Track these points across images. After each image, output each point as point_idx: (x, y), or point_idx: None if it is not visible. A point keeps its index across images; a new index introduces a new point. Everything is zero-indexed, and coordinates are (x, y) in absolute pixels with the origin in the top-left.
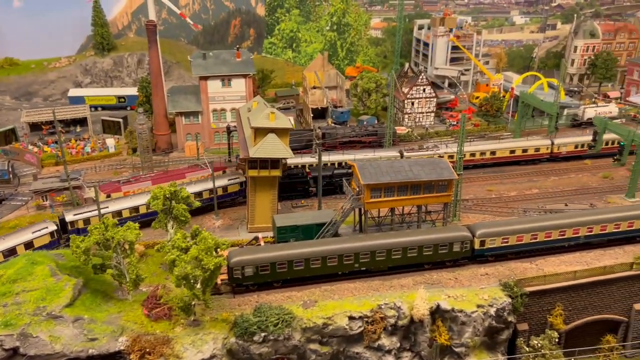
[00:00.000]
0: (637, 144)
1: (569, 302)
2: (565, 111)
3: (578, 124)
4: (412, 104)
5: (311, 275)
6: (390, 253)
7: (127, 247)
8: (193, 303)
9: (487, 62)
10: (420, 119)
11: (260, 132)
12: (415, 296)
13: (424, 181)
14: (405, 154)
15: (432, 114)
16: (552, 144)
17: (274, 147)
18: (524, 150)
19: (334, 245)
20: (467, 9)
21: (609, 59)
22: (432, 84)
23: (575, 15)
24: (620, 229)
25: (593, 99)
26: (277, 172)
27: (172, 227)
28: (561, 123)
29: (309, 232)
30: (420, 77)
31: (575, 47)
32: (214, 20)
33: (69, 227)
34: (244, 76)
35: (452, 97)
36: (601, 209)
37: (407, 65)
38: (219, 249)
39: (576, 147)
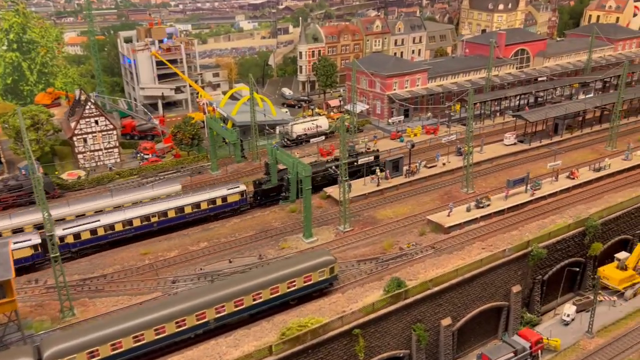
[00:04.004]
0: (302, 177)
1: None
2: (278, 129)
3: (290, 142)
4: (85, 140)
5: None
6: None
7: None
8: None
9: (216, 74)
10: (101, 157)
11: None
12: None
13: None
14: None
15: (116, 150)
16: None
17: None
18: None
19: None
20: (185, 16)
21: (327, 65)
22: (100, 112)
23: (301, 18)
24: (277, 294)
25: (303, 110)
26: None
27: None
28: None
29: None
30: (88, 106)
31: (301, 53)
32: None
33: (58, 242)
34: None
35: (156, 123)
36: (254, 273)
37: (78, 91)
38: None
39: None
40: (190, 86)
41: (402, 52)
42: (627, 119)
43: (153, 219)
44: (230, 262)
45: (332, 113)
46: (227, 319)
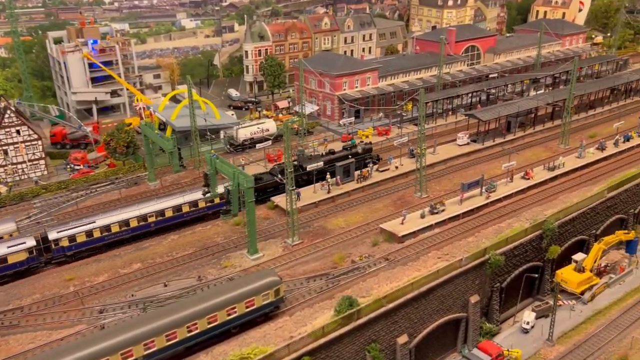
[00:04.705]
0: (243, 188)
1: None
2: (222, 134)
3: (235, 148)
4: (6, 152)
5: None
6: None
7: None
8: None
9: (157, 76)
10: (25, 170)
11: None
12: None
13: None
14: None
15: (43, 161)
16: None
17: None
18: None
19: None
20: (121, 15)
21: (274, 64)
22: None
23: (246, 16)
24: (215, 323)
25: (250, 112)
26: None
27: None
28: (218, 149)
29: None
30: (7, 114)
31: (247, 52)
32: None
33: (53, 246)
34: None
35: (87, 130)
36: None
37: None
38: None
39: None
40: (128, 89)
41: (352, 50)
42: (578, 115)
43: (150, 219)
44: (165, 285)
45: (280, 115)
46: (158, 355)
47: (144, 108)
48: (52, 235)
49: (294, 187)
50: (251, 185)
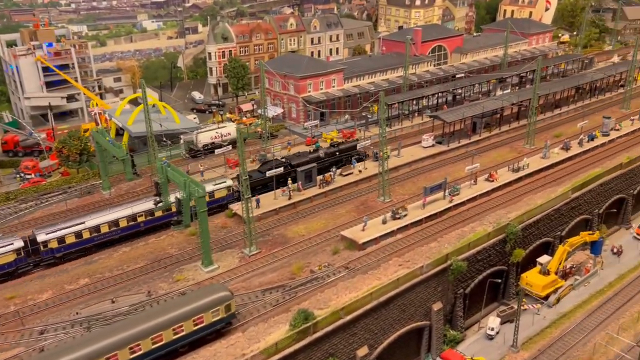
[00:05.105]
0: (195, 199)
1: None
2: (182, 139)
3: (194, 153)
4: None
5: None
6: None
7: None
8: None
9: (118, 79)
10: None
11: None
12: None
13: None
14: None
15: None
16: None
17: None
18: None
19: None
20: (79, 17)
21: (237, 66)
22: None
23: (209, 17)
24: (161, 343)
25: (213, 116)
26: None
27: None
28: (176, 155)
29: None
30: None
31: (210, 54)
32: None
33: (42, 248)
34: None
35: (39, 137)
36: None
37: None
38: None
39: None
40: (85, 94)
41: (319, 51)
42: (544, 114)
43: (140, 219)
44: (113, 302)
45: (244, 118)
46: None
47: (99, 113)
48: (41, 237)
49: (251, 196)
50: (203, 194)
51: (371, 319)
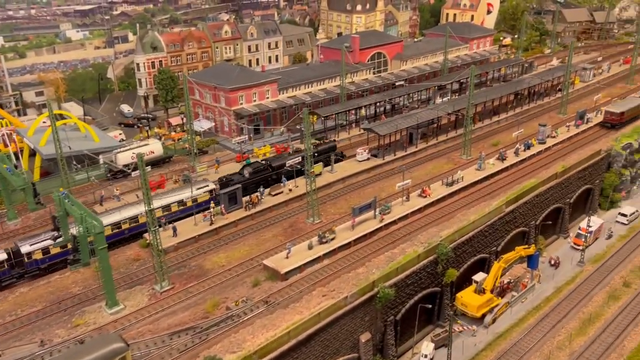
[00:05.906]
0: (93, 234)
1: None
2: (101, 159)
3: (114, 174)
4: None
5: None
6: None
7: None
8: None
9: (40, 93)
10: None
11: None
12: None
13: None
14: None
15: None
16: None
17: None
18: None
19: None
20: None
21: (166, 77)
22: None
23: (138, 25)
24: None
25: (140, 131)
26: None
27: None
28: (98, 175)
29: None
30: None
31: (138, 65)
32: None
33: (25, 259)
34: None
35: None
36: None
37: None
38: None
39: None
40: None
41: (257, 59)
42: (482, 122)
43: (124, 226)
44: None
45: (173, 132)
46: None
47: (7, 134)
48: (25, 248)
49: (156, 228)
50: (101, 230)
51: (289, 359)
